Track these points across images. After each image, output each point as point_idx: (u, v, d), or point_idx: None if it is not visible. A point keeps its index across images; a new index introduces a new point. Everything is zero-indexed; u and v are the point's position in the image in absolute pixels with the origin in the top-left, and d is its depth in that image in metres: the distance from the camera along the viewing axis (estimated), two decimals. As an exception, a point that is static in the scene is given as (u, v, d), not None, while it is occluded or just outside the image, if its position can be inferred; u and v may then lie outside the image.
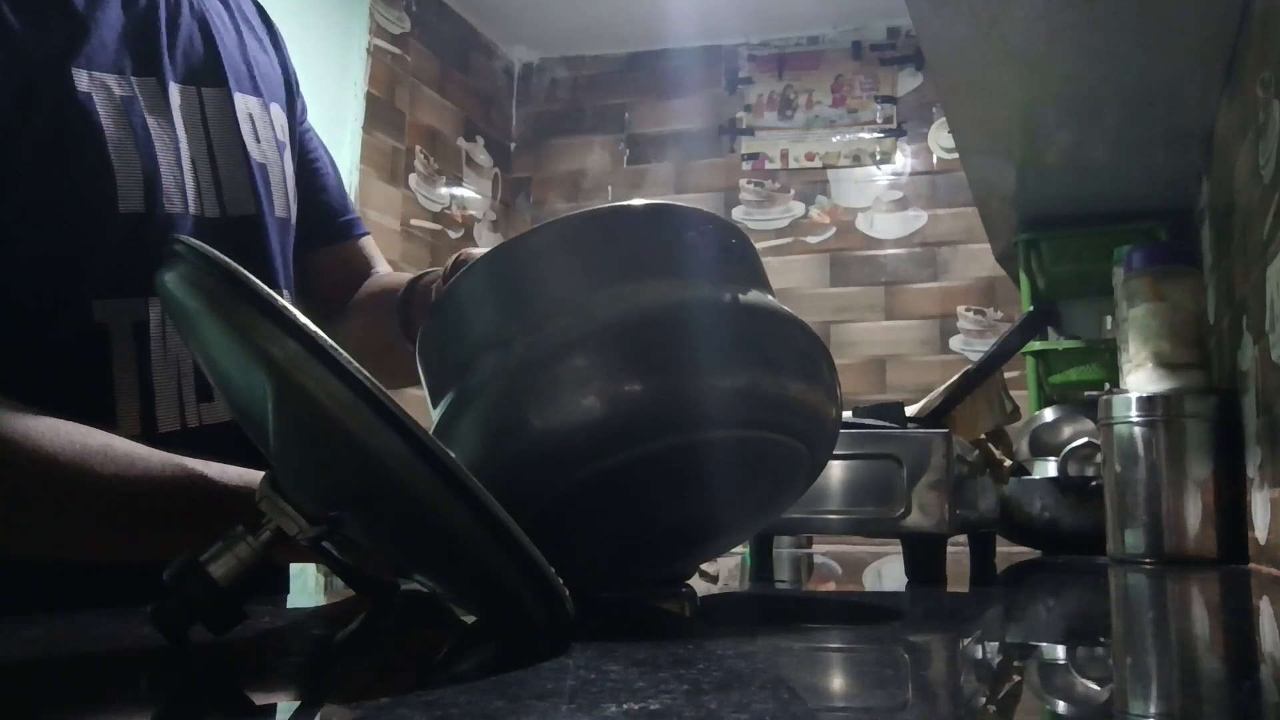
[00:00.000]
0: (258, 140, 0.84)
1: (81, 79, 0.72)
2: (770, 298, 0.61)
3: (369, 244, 1.00)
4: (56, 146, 0.71)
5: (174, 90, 0.78)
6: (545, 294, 0.58)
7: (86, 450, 0.64)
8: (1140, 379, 1.29)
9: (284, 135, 0.88)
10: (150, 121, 0.75)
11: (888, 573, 1.07)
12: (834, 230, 3.57)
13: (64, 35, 0.72)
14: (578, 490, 0.55)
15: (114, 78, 0.74)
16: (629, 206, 0.62)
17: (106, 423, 0.72)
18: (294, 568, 0.88)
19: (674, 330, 0.56)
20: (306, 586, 0.97)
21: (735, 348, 0.57)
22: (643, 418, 0.54)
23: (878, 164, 3.58)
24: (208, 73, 0.81)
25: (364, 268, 0.99)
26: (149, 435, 0.73)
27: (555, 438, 0.54)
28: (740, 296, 0.58)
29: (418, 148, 3.36)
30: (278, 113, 0.88)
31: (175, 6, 0.81)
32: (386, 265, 1.01)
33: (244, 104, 0.83)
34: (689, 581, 0.82)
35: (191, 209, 0.77)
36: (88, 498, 0.64)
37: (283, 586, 0.85)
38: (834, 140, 3.63)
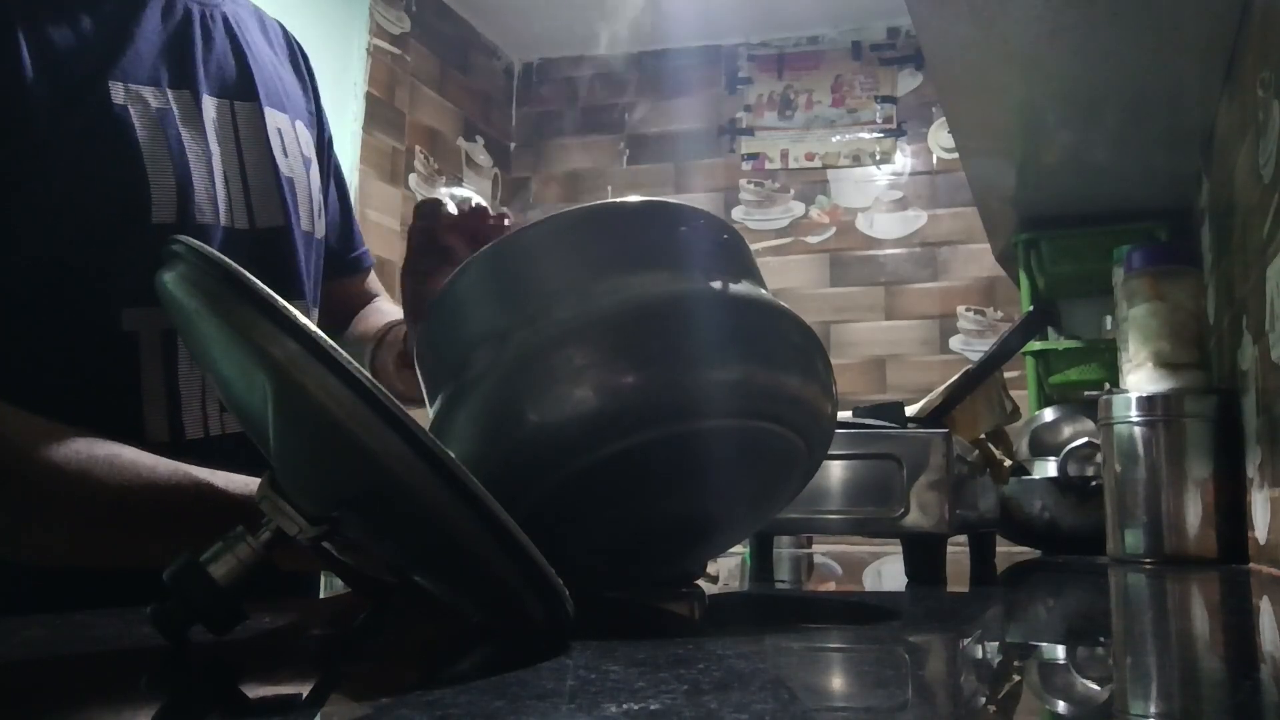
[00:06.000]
0: (285, 154, 0.85)
1: (118, 91, 0.73)
2: (764, 291, 0.61)
3: (372, 278, 1.06)
4: (92, 157, 0.71)
5: (207, 103, 0.79)
6: (539, 288, 0.58)
7: (92, 459, 0.64)
8: (1140, 379, 1.29)
9: (309, 151, 0.89)
10: (184, 133, 0.76)
11: (888, 573, 1.07)
12: (834, 230, 3.57)
13: (101, 48, 0.73)
14: (574, 482, 0.55)
15: (150, 90, 0.75)
16: (623, 202, 0.62)
17: (134, 429, 0.73)
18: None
19: (669, 321, 0.56)
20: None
21: (730, 339, 0.57)
22: (637, 407, 0.54)
23: (878, 164, 3.58)
24: (240, 87, 0.82)
25: (365, 300, 1.05)
26: (176, 442, 0.74)
27: (551, 428, 0.54)
28: (735, 289, 0.59)
29: (417, 148, 3.36)
30: (302, 129, 0.89)
31: (209, 21, 0.82)
32: (384, 295, 1.07)
33: (273, 119, 0.84)
34: (698, 582, 0.82)
35: (223, 220, 0.78)
36: (91, 507, 0.64)
37: (310, 587, 0.85)
38: (834, 140, 3.63)
